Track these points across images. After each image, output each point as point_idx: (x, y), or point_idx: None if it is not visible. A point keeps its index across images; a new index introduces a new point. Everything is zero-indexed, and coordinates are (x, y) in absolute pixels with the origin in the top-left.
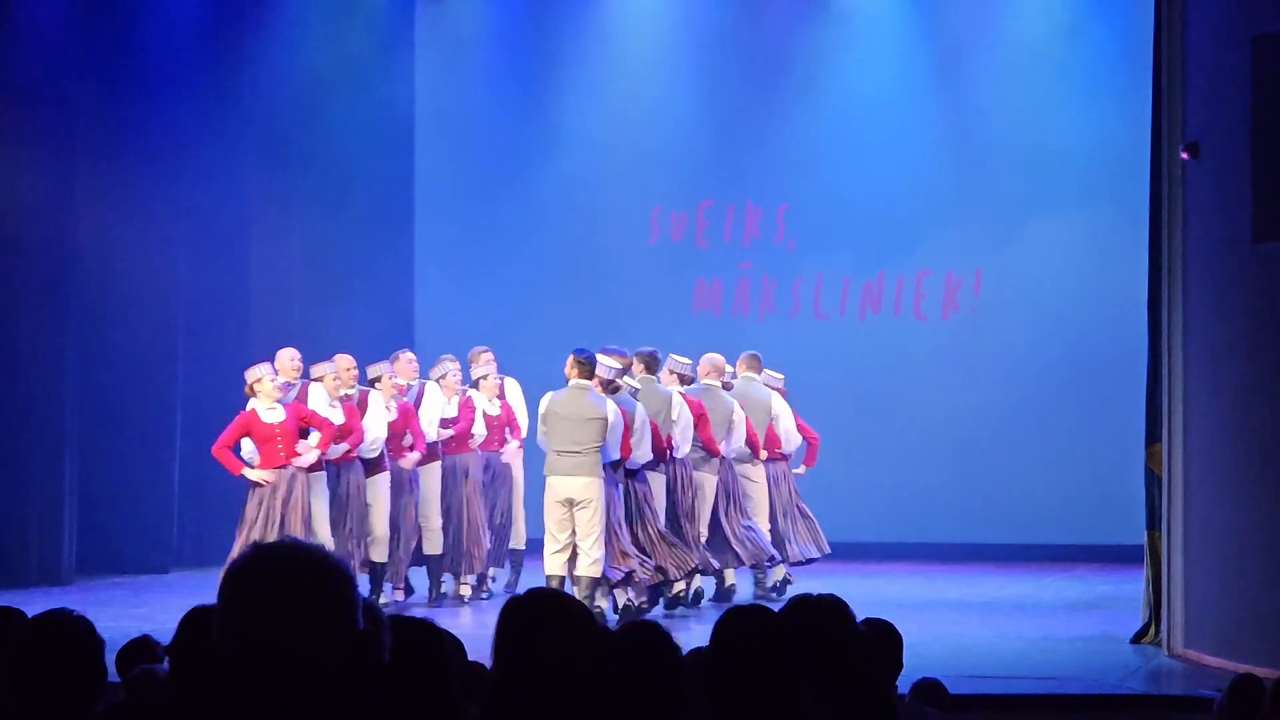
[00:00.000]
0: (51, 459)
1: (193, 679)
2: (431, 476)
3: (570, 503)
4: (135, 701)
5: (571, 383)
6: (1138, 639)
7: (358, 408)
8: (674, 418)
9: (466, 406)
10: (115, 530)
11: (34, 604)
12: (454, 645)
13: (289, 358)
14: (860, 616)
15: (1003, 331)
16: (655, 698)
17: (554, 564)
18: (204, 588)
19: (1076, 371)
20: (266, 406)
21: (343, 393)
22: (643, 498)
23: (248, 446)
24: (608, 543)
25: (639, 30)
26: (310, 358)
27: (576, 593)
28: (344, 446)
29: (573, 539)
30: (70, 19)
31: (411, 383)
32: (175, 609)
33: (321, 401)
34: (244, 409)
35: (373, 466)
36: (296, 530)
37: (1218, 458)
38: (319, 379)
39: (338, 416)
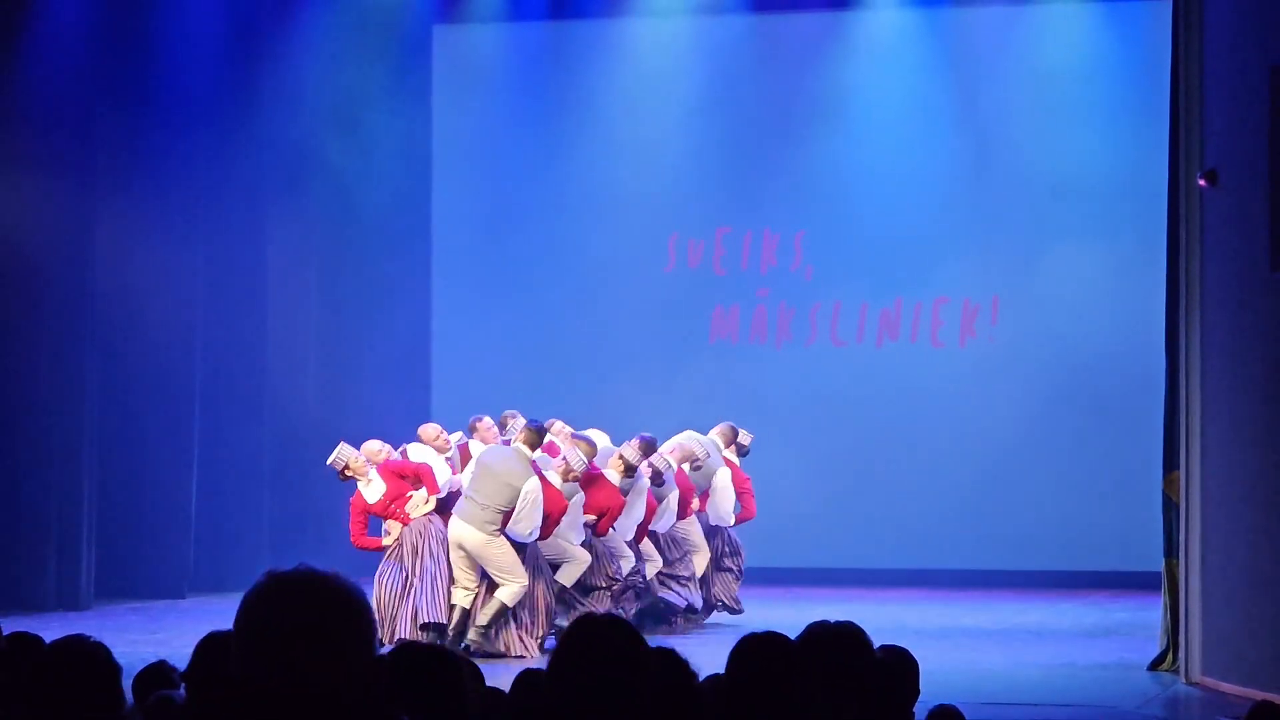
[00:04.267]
0: (69, 486)
1: (210, 705)
2: None
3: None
4: None
5: (515, 443)
6: (1155, 666)
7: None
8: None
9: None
10: (132, 556)
11: (52, 630)
12: (472, 673)
13: (376, 451)
14: (877, 643)
15: (1020, 358)
16: None
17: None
18: (220, 613)
19: (1094, 398)
20: (365, 484)
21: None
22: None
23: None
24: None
25: (656, 58)
26: (330, 385)
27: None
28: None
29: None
30: (91, 49)
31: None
32: (192, 634)
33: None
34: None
35: None
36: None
37: (1235, 485)
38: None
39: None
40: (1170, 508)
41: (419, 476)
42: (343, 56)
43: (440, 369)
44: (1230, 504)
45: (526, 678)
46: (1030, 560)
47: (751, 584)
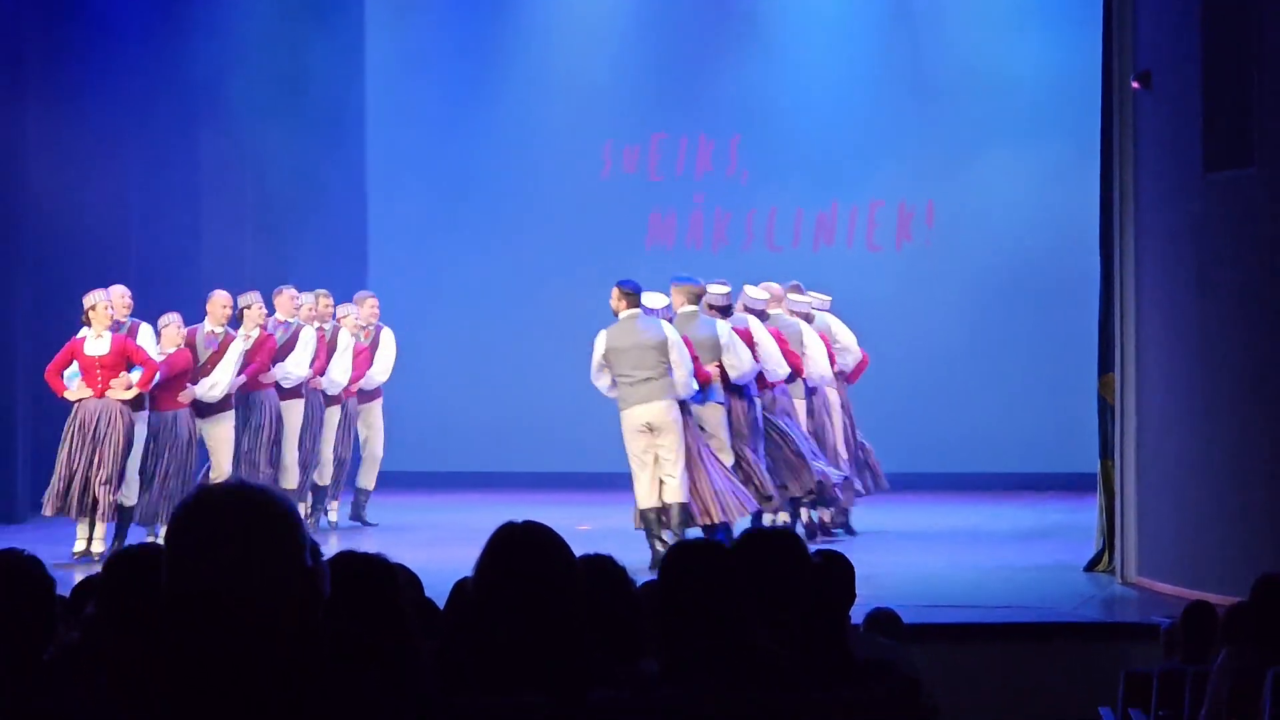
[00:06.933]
0: (3, 399)
1: (138, 619)
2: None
3: (649, 429)
4: (88, 642)
5: (622, 315)
6: (1091, 567)
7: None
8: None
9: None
10: None
11: None
12: (409, 580)
13: (120, 294)
14: (813, 547)
15: (956, 261)
16: (613, 630)
17: (646, 497)
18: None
19: (1029, 301)
20: (94, 335)
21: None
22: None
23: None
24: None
25: None
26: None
27: (670, 522)
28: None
29: (658, 468)
30: None
31: (291, 319)
32: None
33: (150, 341)
34: (75, 335)
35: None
36: (106, 459)
37: (1169, 386)
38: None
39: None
40: (1105, 409)
41: (139, 362)
42: None
43: (376, 275)
44: (1164, 405)
45: (463, 585)
46: (966, 463)
47: None
